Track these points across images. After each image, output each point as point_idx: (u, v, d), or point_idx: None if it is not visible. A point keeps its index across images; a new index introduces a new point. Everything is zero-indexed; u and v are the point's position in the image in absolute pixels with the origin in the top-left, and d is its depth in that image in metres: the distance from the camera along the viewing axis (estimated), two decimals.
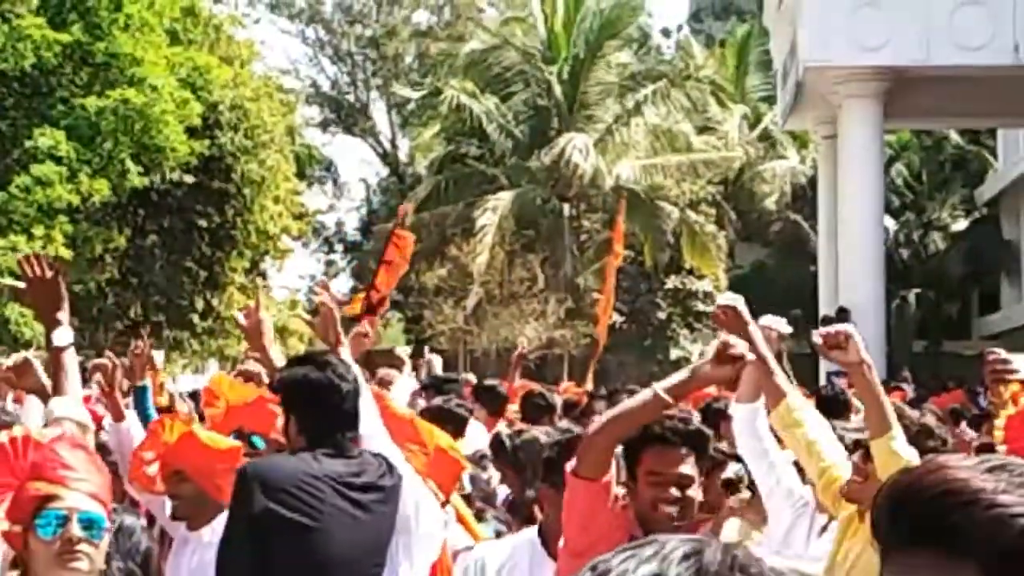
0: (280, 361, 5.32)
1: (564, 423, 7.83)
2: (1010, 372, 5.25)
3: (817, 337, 4.95)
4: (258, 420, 6.13)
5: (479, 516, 6.92)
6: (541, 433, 6.90)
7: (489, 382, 11.72)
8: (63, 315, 4.66)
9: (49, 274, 4.65)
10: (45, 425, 4.31)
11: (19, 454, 3.40)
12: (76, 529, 3.33)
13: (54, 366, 4.61)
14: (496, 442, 7.05)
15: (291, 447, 4.89)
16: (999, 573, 1.70)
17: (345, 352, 5.12)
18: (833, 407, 8.70)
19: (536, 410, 10.61)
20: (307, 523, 4.62)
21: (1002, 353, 5.38)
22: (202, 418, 8.18)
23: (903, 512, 1.76)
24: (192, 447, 5.39)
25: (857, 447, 4.98)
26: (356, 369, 4.97)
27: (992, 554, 1.69)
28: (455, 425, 8.56)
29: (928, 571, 1.73)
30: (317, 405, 4.76)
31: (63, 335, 4.61)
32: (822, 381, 21.39)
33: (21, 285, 4.74)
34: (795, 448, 5.20)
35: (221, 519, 5.11)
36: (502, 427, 9.39)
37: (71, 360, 4.62)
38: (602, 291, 21.76)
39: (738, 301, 5.08)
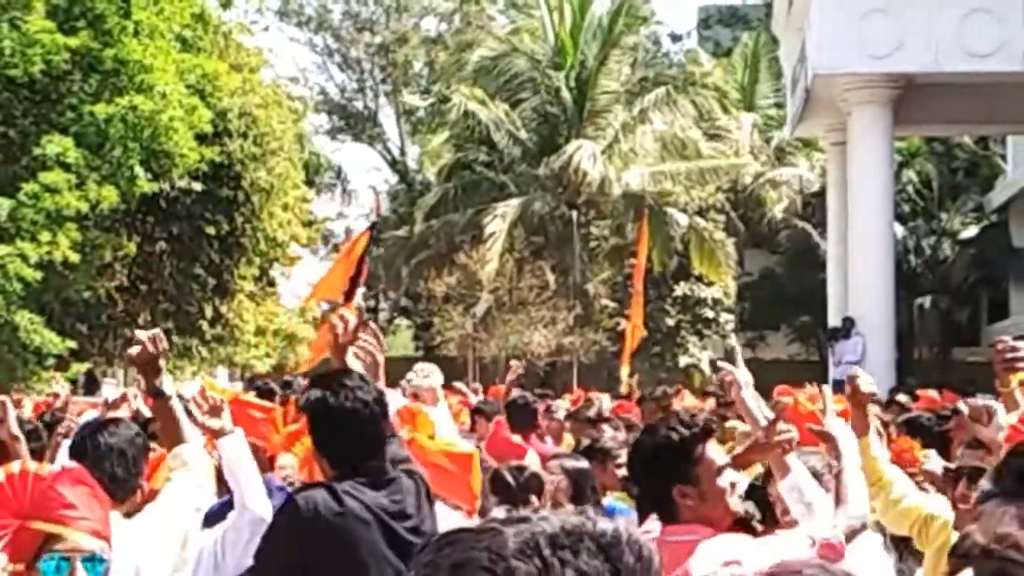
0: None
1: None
2: (1020, 360, 5.21)
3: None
4: (257, 431, 6.17)
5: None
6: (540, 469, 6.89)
7: (519, 396, 10.82)
8: (162, 368, 4.87)
9: (162, 347, 4.84)
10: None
11: (18, 492, 3.37)
12: (81, 573, 3.32)
13: (167, 416, 4.81)
14: (496, 479, 6.64)
15: (323, 474, 4.62)
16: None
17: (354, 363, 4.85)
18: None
19: (585, 423, 10.22)
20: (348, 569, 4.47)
21: (1010, 341, 5.34)
22: None
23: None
24: None
25: (959, 475, 4.97)
26: (377, 385, 4.66)
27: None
28: None
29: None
30: (337, 432, 4.49)
31: (169, 383, 4.84)
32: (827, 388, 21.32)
33: (136, 350, 4.88)
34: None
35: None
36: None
37: (178, 407, 4.81)
38: (628, 318, 21.75)
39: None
